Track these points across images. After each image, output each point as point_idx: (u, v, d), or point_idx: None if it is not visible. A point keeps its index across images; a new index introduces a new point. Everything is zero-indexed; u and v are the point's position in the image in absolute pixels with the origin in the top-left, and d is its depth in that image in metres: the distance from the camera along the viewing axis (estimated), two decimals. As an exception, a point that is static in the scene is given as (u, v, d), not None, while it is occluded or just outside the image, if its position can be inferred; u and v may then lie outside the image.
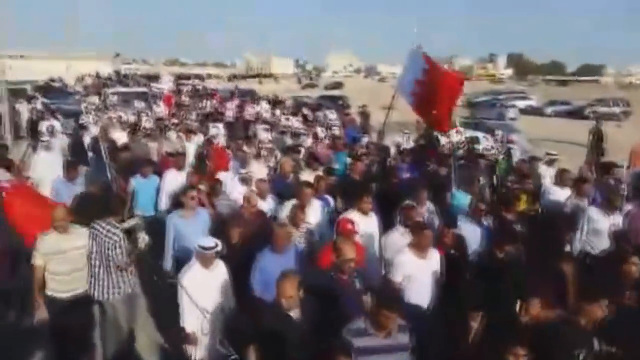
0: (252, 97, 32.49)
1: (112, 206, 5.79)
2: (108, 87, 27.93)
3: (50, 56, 71.00)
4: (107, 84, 33.52)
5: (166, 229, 6.26)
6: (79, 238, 5.44)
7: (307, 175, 8.31)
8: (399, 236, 6.01)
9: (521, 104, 40.16)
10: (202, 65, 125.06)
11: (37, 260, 5.29)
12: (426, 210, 7.08)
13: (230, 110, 17.99)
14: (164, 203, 8.16)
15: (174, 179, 8.22)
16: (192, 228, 6.11)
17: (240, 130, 14.84)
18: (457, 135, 10.89)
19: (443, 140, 10.97)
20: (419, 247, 5.35)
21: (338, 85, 73.57)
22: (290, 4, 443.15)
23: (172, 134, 11.35)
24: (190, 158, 9.97)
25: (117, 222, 5.60)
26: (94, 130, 11.94)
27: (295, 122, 13.65)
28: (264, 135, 10.56)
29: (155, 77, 52.95)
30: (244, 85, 54.43)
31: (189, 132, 12.07)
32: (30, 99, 23.47)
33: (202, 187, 7.49)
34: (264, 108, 18.27)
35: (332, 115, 16.65)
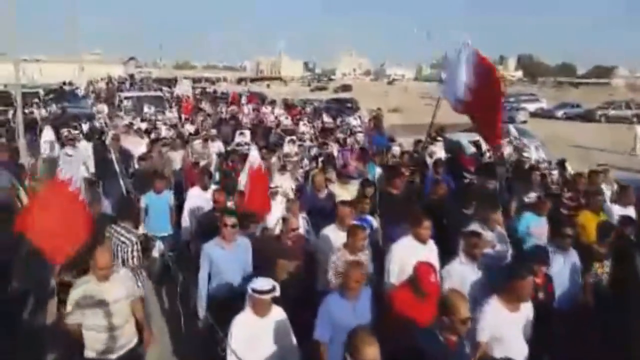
0: (262, 100, 33.23)
1: (125, 210, 5.86)
2: (122, 92, 27.48)
3: (63, 60, 71.96)
4: (121, 88, 33.14)
5: (200, 263, 5.27)
6: (122, 284, 4.49)
7: (339, 190, 7.68)
8: (467, 269, 5.15)
9: (531, 106, 40.06)
10: (212, 69, 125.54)
11: (72, 316, 4.29)
12: (494, 236, 6.05)
13: (248, 115, 17.13)
14: (187, 221, 7.45)
15: (198, 197, 7.50)
16: (234, 262, 5.24)
17: (261, 138, 13.73)
18: (507, 146, 10.09)
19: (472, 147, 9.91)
20: (512, 299, 4.23)
21: (347, 87, 73.68)
22: (299, 6, 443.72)
23: (197, 143, 10.72)
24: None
25: (132, 227, 5.67)
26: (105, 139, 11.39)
27: (303, 127, 12.99)
28: (289, 147, 9.88)
29: (167, 81, 53.38)
30: (252, 88, 54.98)
31: (209, 139, 11.47)
32: (44, 104, 23.61)
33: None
34: (278, 113, 17.60)
35: (354, 121, 15.31)
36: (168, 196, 7.78)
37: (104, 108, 15.71)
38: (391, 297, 4.65)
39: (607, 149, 20.85)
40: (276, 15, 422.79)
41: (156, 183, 7.61)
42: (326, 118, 16.91)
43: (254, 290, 4.10)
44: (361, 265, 4.53)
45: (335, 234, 5.83)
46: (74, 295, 4.27)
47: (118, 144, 10.33)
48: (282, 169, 8.81)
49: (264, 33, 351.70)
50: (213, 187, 7.54)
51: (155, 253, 6.92)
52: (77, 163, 8.04)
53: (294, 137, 10.57)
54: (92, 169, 8.56)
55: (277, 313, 4.32)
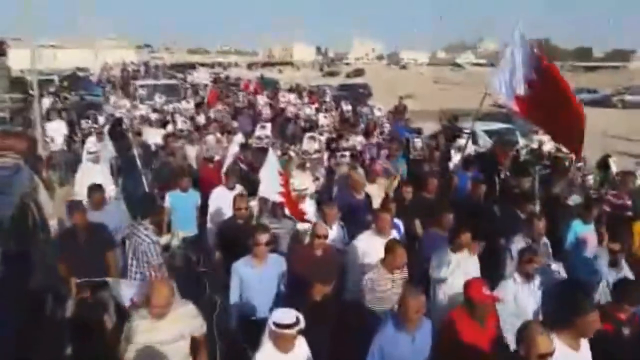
0: (275, 86, 31.94)
1: (147, 208, 5.94)
2: (137, 80, 26.73)
3: (78, 45, 72.11)
4: (135, 76, 32.33)
5: (231, 282, 4.89)
6: (181, 321, 3.94)
7: (372, 191, 7.24)
8: (522, 289, 4.75)
9: (547, 92, 39.41)
10: (225, 54, 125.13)
11: (127, 354, 3.83)
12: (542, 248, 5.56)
13: (264, 106, 15.93)
14: (210, 224, 7.05)
15: (222, 198, 6.99)
16: (265, 282, 4.86)
17: (278, 130, 12.84)
18: (548, 142, 9.31)
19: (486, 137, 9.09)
20: (574, 336, 3.73)
21: (360, 72, 72.96)
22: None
23: (211, 137, 10.06)
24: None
25: (152, 225, 5.73)
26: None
27: (323, 120, 12.08)
28: (309, 144, 9.18)
29: (181, 67, 52.72)
30: (264, 73, 54.81)
31: (228, 132, 11.19)
32: (56, 93, 23.26)
33: (252, 203, 6.64)
34: (296, 102, 16.73)
35: (378, 111, 14.09)
36: (194, 195, 7.44)
37: (125, 103, 14.71)
38: (446, 325, 4.20)
39: (624, 136, 20.52)
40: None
41: (182, 181, 7.28)
42: (346, 107, 15.76)
43: (275, 324, 3.61)
44: (421, 295, 3.99)
45: (369, 242, 5.44)
46: (128, 331, 3.87)
47: (140, 139, 10.06)
48: (301, 166, 8.33)
49: (276, 17, 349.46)
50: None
51: (175, 242, 6.93)
52: (102, 171, 7.77)
53: (314, 134, 9.86)
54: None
55: (302, 349, 3.83)
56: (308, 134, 9.72)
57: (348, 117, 14.67)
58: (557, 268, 5.34)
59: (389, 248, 4.86)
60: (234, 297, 4.88)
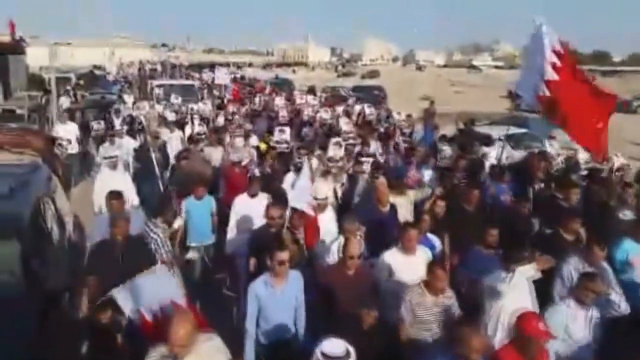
0: (290, 88, 31.49)
1: (161, 206, 6.08)
2: (154, 79, 26.44)
3: (94, 43, 73.13)
4: (152, 76, 32.19)
5: (248, 302, 4.48)
6: (204, 358, 3.48)
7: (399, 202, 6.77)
8: (576, 316, 4.34)
9: (564, 97, 39.00)
10: (240, 54, 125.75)
11: None
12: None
13: (282, 108, 15.42)
14: (233, 232, 6.66)
15: (245, 206, 6.69)
16: (284, 303, 4.49)
17: (295, 134, 12.32)
18: (617, 159, 8.44)
19: (552, 147, 8.44)
20: None
21: (374, 74, 72.76)
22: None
23: (239, 141, 9.66)
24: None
25: (162, 222, 5.81)
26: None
27: (345, 126, 11.53)
28: (335, 151, 8.65)
29: (197, 66, 52.54)
30: (279, 74, 54.85)
31: (246, 136, 10.79)
32: (74, 91, 23.32)
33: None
34: (313, 103, 16.38)
35: (398, 115, 13.49)
36: (209, 202, 7.15)
37: (145, 104, 14.18)
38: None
39: (644, 143, 20.24)
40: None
41: (197, 188, 6.94)
42: (368, 110, 15.16)
43: (325, 356, 3.20)
44: (481, 333, 3.64)
45: (396, 259, 5.11)
46: None
47: (158, 142, 9.78)
48: (325, 173, 7.88)
49: (292, 18, 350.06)
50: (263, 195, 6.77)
51: (192, 255, 6.82)
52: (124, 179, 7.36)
53: (340, 140, 9.45)
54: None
55: None
56: (334, 140, 9.25)
57: (370, 121, 14.12)
58: (618, 300, 4.71)
59: (429, 269, 4.48)
60: (251, 323, 4.44)
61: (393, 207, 6.54)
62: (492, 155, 10.03)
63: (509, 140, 13.65)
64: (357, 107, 15.80)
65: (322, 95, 23.10)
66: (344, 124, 11.85)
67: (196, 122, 11.29)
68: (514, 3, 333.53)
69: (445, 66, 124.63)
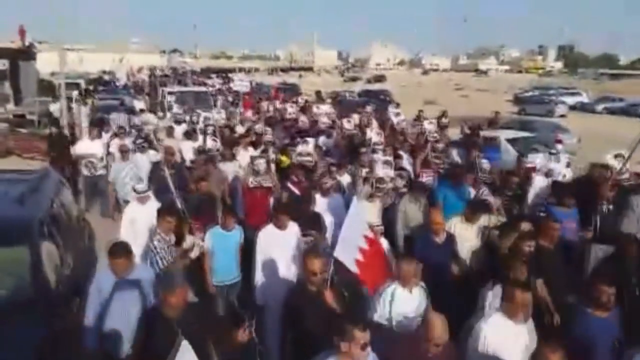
0: (297, 93, 31.23)
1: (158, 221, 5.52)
2: (165, 86, 25.10)
3: (102, 49, 73.61)
4: (164, 82, 30.69)
5: None
6: None
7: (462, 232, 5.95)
8: None
9: (571, 100, 38.86)
10: (247, 59, 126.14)
11: None
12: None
13: (300, 116, 14.45)
14: (259, 275, 5.58)
15: (272, 240, 5.63)
16: None
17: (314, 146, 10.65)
18: None
19: (616, 159, 7.31)
20: None
21: (381, 78, 72.71)
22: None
23: (262, 162, 7.83)
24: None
25: (166, 235, 5.43)
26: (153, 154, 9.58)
27: (375, 137, 10.37)
28: (385, 170, 7.52)
29: (210, 72, 51.27)
30: (284, 79, 54.94)
31: (264, 150, 9.55)
32: (85, 96, 23.65)
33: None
34: (328, 111, 15.02)
35: (430, 125, 11.43)
36: (238, 234, 6.06)
37: (153, 119, 13.08)
38: None
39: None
40: (310, 4, 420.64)
41: (225, 218, 5.93)
42: (395, 118, 13.40)
43: None
44: None
45: (498, 328, 3.81)
46: None
47: (172, 158, 8.76)
48: (372, 197, 6.91)
49: (298, 22, 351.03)
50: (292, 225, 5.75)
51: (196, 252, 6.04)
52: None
53: (389, 158, 8.24)
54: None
55: None
56: (383, 158, 8.12)
57: (402, 130, 12.65)
58: None
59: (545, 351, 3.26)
60: None
61: (450, 238, 5.64)
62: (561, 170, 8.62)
63: (514, 144, 13.46)
64: (393, 113, 14.04)
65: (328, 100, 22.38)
66: (375, 135, 10.60)
67: (208, 138, 10.18)
68: (520, 7, 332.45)
69: (451, 70, 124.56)
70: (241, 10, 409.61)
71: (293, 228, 5.70)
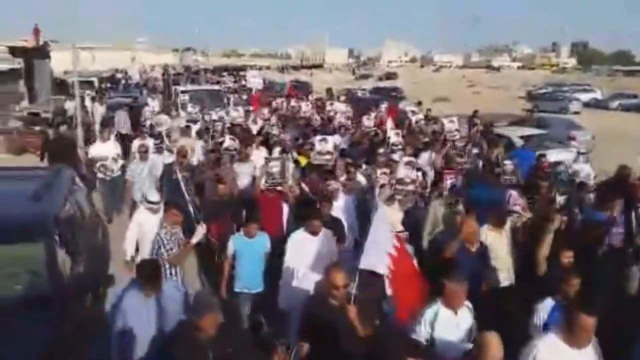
0: (308, 91, 30.67)
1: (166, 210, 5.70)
2: (178, 85, 24.88)
3: (114, 47, 74.09)
4: (177, 81, 30.47)
5: None
6: None
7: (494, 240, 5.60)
8: None
9: (585, 97, 38.50)
10: (258, 57, 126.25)
11: None
12: None
13: (314, 115, 14.16)
14: (287, 282, 5.42)
15: (304, 248, 5.36)
16: None
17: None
18: None
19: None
20: None
21: (392, 75, 72.06)
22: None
23: (275, 164, 7.36)
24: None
25: (172, 228, 5.51)
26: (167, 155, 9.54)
27: (394, 137, 10.03)
28: (406, 171, 7.13)
29: (225, 70, 50.62)
30: (294, 77, 54.79)
31: (283, 150, 9.50)
32: (100, 95, 22.87)
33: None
34: (344, 110, 14.62)
35: (450, 124, 10.94)
36: (263, 240, 5.76)
37: (166, 120, 12.42)
38: None
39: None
40: (321, 2, 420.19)
41: (250, 226, 5.65)
42: (413, 117, 13.11)
43: None
44: None
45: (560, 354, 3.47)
46: None
47: (185, 160, 8.43)
48: (391, 200, 6.64)
49: (308, 20, 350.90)
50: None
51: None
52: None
53: (412, 159, 7.87)
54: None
55: None
56: (406, 159, 7.75)
57: (420, 129, 12.38)
58: None
59: None
60: None
61: (483, 246, 5.34)
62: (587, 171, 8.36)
63: (527, 142, 12.95)
64: (410, 112, 13.82)
65: (338, 96, 21.99)
66: (393, 135, 10.24)
67: (227, 137, 9.74)
68: (532, 3, 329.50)
69: (463, 67, 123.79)
70: (251, 8, 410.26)
71: (326, 234, 5.45)
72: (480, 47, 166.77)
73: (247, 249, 5.66)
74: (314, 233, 5.36)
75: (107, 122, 13.86)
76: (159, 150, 9.64)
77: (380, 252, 4.22)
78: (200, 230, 5.75)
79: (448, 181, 7.33)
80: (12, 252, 4.35)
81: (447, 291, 3.95)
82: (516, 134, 13.92)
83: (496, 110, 26.21)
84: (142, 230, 6.11)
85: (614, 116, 32.08)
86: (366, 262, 4.09)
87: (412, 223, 6.39)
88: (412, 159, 7.97)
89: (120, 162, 10.03)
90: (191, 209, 6.28)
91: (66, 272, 4.55)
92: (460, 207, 6.22)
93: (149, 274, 4.15)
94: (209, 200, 7.10)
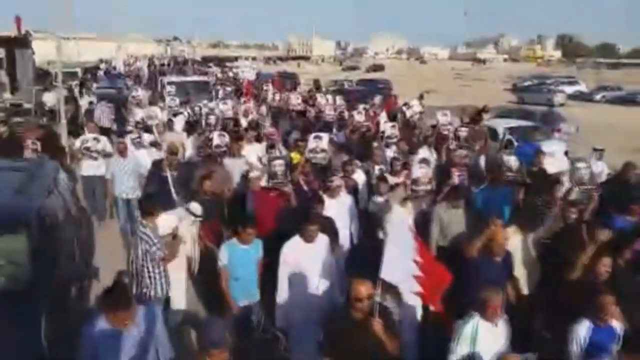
0: (295, 83, 29.70)
1: (145, 206, 5.47)
2: (164, 75, 24.24)
3: (99, 37, 72.91)
4: (163, 72, 29.68)
5: None
6: None
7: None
8: None
9: (569, 89, 38.90)
10: (245, 48, 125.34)
11: None
12: None
13: (307, 108, 13.69)
14: (284, 295, 4.94)
15: (299, 256, 4.93)
16: None
17: None
18: None
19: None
20: None
21: (379, 67, 72.15)
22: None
23: (279, 163, 6.98)
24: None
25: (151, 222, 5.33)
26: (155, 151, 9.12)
27: (390, 129, 9.61)
28: (421, 170, 6.67)
29: (208, 61, 49.84)
30: (282, 68, 54.44)
31: (271, 145, 9.10)
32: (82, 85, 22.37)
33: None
34: (339, 104, 13.73)
35: (444, 117, 10.69)
36: (257, 247, 5.25)
37: (156, 111, 11.57)
38: None
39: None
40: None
41: (245, 231, 5.08)
42: (409, 110, 12.69)
43: None
44: None
45: None
46: None
47: (175, 158, 7.83)
48: (404, 202, 6.04)
49: (296, 12, 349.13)
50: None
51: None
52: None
53: (426, 156, 7.39)
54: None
55: None
56: (420, 156, 7.21)
57: (415, 122, 11.85)
58: None
59: None
60: None
61: (508, 255, 4.95)
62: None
63: (513, 133, 12.67)
64: (414, 104, 13.19)
65: (328, 89, 21.35)
66: (388, 127, 9.77)
67: (215, 134, 9.00)
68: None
69: (450, 59, 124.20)
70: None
71: (323, 240, 5.03)
72: (467, 40, 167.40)
73: (241, 258, 5.11)
74: (309, 240, 4.92)
75: (90, 114, 13.34)
76: (138, 145, 9.10)
77: (405, 265, 3.91)
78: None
79: (456, 178, 6.81)
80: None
81: (487, 302, 3.74)
82: (502, 126, 13.75)
83: (482, 102, 26.19)
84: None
85: (599, 108, 32.42)
86: (391, 277, 3.84)
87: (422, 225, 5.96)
88: (425, 156, 7.48)
89: (103, 140, 9.48)
90: (181, 212, 5.82)
91: (50, 264, 4.49)
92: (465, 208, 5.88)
93: (116, 304, 3.45)
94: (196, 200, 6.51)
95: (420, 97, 16.58)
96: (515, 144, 9.71)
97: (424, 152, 8.42)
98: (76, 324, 4.20)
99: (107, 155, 9.19)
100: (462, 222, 5.80)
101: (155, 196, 5.89)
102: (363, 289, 3.55)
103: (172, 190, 6.21)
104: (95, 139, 9.40)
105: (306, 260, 4.86)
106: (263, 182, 6.83)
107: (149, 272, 5.21)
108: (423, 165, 6.71)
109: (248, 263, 5.16)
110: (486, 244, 4.80)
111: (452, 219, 5.82)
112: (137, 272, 5.25)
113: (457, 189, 6.31)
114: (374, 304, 3.60)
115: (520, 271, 5.11)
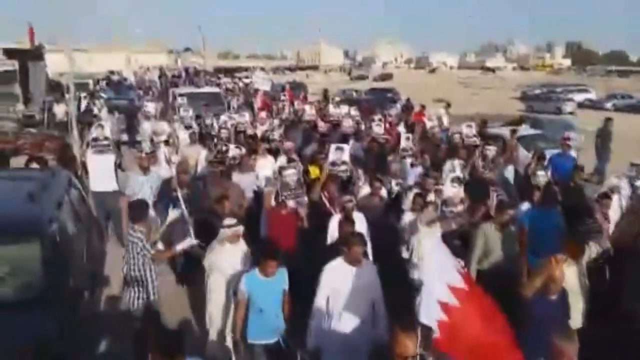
0: (304, 92, 29.32)
1: (135, 212, 5.58)
2: (176, 87, 23.83)
3: (111, 49, 73.54)
4: (175, 83, 29.38)
5: None
6: None
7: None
8: None
9: (579, 97, 38.54)
10: (254, 58, 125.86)
11: None
12: None
13: (317, 118, 13.20)
14: (319, 321, 4.58)
15: (344, 279, 4.49)
16: None
17: None
18: None
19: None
20: None
21: (387, 76, 72.33)
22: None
23: (292, 173, 6.68)
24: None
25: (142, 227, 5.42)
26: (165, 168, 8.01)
27: (404, 142, 9.25)
28: (454, 190, 6.33)
29: (218, 71, 49.96)
30: (289, 78, 54.53)
31: (289, 159, 8.56)
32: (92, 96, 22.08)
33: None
34: (353, 114, 13.23)
35: (468, 129, 10.09)
36: (282, 278, 4.69)
37: (163, 127, 11.14)
38: None
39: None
40: (316, 3, 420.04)
41: (267, 264, 4.50)
42: (430, 122, 12.24)
43: None
44: None
45: None
46: None
47: (185, 177, 7.42)
48: (432, 223, 5.50)
49: (305, 21, 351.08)
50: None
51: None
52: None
53: (459, 174, 7.02)
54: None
55: None
56: (452, 175, 6.73)
57: (434, 134, 11.36)
58: None
59: None
60: None
61: (563, 291, 4.39)
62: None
63: (520, 141, 11.87)
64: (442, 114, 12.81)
65: (334, 99, 20.65)
66: (404, 140, 9.38)
67: (231, 146, 8.68)
68: (528, 3, 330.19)
69: (459, 67, 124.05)
70: (247, 9, 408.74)
71: (369, 265, 4.63)
72: (475, 48, 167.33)
73: (264, 291, 4.55)
74: (353, 262, 4.48)
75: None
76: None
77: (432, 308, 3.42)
78: (189, 241, 5.57)
79: (495, 198, 6.36)
80: (6, 253, 4.36)
81: (563, 353, 3.30)
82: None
83: (491, 111, 26.13)
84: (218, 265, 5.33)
85: (608, 116, 31.95)
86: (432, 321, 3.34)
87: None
88: (459, 174, 6.99)
89: (106, 126, 8.89)
90: (191, 231, 5.60)
91: (62, 273, 4.53)
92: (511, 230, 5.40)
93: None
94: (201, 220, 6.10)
95: (447, 106, 16.12)
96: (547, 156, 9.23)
97: (456, 170, 7.87)
98: (88, 331, 4.38)
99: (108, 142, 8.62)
100: (508, 245, 5.34)
101: (143, 201, 6.02)
102: (411, 345, 3.08)
103: (185, 212, 5.81)
104: (99, 125, 8.82)
105: (349, 286, 4.41)
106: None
107: (142, 275, 5.36)
108: (455, 185, 6.30)
109: (271, 297, 4.63)
110: (545, 280, 4.30)
111: (496, 241, 5.38)
112: (131, 276, 5.38)
113: (502, 206, 5.81)
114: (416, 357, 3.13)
115: (576, 307, 4.59)
